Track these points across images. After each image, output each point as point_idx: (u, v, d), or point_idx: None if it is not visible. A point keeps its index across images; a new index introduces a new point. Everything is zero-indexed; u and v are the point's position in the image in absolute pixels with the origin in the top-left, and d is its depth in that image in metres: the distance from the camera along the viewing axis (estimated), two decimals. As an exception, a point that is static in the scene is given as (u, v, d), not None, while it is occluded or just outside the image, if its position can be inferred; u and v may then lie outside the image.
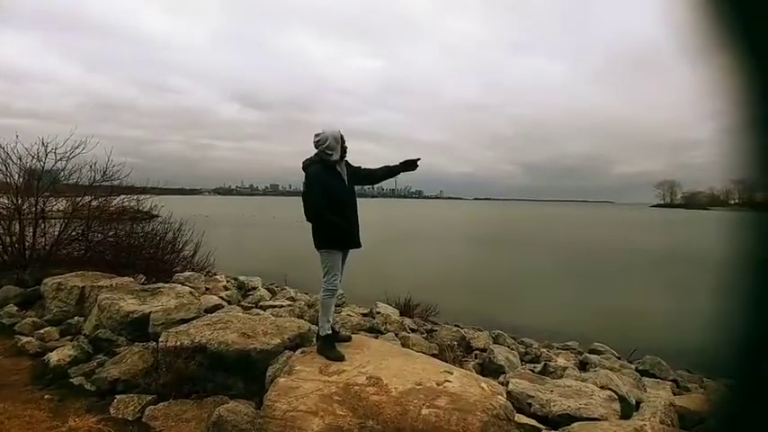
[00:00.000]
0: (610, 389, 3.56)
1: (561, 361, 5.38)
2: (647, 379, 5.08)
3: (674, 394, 4.79)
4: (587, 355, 5.74)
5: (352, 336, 3.85)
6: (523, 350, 5.89)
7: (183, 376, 3.33)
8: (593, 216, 66.48)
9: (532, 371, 4.49)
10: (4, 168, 6.62)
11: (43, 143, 6.68)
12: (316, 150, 3.37)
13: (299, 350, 3.48)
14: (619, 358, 6.11)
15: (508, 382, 3.57)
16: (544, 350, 5.99)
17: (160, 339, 3.63)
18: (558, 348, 6.47)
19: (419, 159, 3.61)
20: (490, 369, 4.69)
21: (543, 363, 5.00)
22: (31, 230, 6.55)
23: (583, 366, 5.28)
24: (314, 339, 3.60)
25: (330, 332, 3.35)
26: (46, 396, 3.25)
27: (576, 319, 8.64)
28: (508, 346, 5.70)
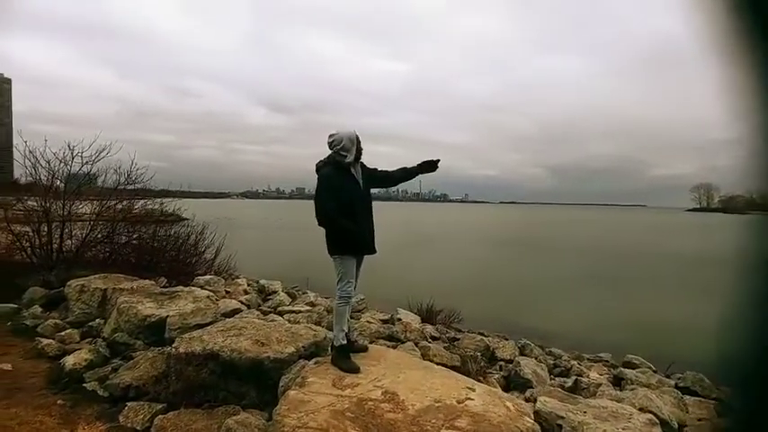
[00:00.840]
0: (650, 411, 3.25)
1: (594, 375, 5.04)
2: (688, 397, 4.69)
3: (719, 415, 4.40)
4: (622, 369, 5.37)
5: (369, 346, 3.68)
6: (552, 362, 5.56)
7: (194, 384, 3.23)
8: (623, 220, 64.30)
9: (562, 387, 4.19)
10: (33, 172, 6.80)
11: (69, 147, 6.83)
12: (330, 152, 3.23)
13: (314, 360, 3.34)
14: (655, 372, 5.69)
15: (536, 400, 3.31)
16: (575, 362, 5.63)
17: (173, 345, 3.55)
18: (589, 360, 6.10)
19: (439, 160, 3.42)
20: (516, 383, 4.42)
21: (574, 377, 4.68)
22: (59, 233, 6.68)
23: (617, 382, 4.92)
24: (329, 348, 3.45)
25: (344, 342, 3.19)
26: (58, 401, 3.21)
27: (608, 328, 8.20)
28: (536, 358, 5.39)
